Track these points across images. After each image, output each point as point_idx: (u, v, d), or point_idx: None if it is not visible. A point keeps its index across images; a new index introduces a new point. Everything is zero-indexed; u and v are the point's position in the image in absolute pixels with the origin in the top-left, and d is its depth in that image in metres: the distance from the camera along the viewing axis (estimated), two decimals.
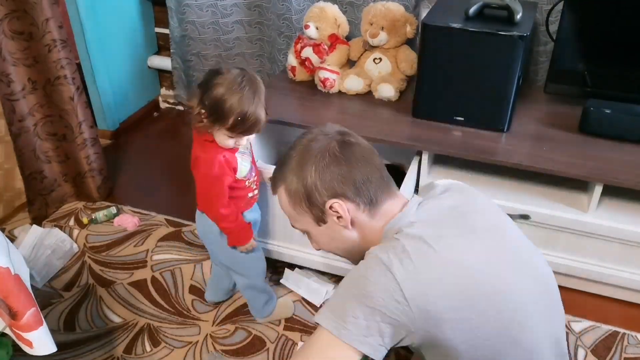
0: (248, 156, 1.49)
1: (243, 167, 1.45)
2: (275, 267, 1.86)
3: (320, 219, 1.04)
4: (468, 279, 0.92)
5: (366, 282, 0.91)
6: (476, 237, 0.98)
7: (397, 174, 1.52)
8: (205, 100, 1.33)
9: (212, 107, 1.33)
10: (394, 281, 0.88)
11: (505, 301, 0.94)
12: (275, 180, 1.07)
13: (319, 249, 1.13)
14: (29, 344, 1.13)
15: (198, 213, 1.52)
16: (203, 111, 1.34)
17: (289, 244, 1.80)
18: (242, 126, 1.34)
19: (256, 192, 1.54)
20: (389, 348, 0.91)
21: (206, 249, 1.63)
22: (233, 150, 1.42)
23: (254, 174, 1.51)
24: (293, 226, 1.10)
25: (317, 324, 0.94)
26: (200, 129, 1.37)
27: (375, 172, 1.02)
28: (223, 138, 1.37)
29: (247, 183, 1.48)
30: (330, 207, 1.01)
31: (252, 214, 1.55)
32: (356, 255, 1.05)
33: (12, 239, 1.97)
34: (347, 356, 0.90)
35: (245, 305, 1.75)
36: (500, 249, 0.99)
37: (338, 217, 1.02)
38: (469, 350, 0.92)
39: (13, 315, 1.08)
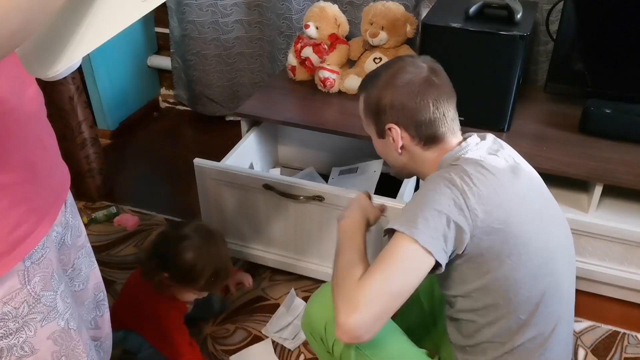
0: None
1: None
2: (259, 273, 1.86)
3: (381, 134, 1.16)
4: (520, 203, 1.03)
5: (433, 193, 1.02)
6: (527, 181, 1.09)
7: None
8: (171, 266, 1.37)
9: (182, 273, 1.36)
10: (458, 191, 1.00)
11: (545, 230, 1.05)
12: (362, 86, 1.20)
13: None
14: None
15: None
16: (166, 275, 1.37)
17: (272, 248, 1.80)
18: (216, 282, 1.40)
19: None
20: (448, 255, 1.00)
21: None
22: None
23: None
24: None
25: (390, 231, 1.02)
26: (164, 292, 1.41)
27: (443, 115, 1.11)
28: (189, 295, 1.43)
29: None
30: (389, 129, 1.13)
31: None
32: (403, 172, 1.23)
33: None
34: (419, 256, 0.98)
35: (245, 305, 1.75)
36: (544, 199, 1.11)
37: (393, 140, 1.13)
38: (511, 265, 1.01)
39: None
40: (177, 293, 1.43)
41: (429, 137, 1.11)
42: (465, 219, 0.99)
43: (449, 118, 1.12)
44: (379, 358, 1.13)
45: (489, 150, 1.10)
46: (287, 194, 1.62)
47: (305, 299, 1.76)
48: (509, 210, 1.01)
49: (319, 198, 1.59)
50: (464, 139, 1.13)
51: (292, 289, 1.77)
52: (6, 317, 0.72)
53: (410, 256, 0.98)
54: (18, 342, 0.75)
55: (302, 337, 1.63)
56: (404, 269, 0.98)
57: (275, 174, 2.08)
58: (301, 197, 1.60)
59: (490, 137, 1.15)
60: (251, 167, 1.89)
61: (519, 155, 1.15)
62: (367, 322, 0.96)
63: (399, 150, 1.15)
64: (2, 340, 0.73)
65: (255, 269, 1.88)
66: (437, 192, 1.01)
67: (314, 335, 1.22)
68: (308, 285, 1.80)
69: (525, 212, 1.04)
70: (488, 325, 1.07)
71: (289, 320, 1.69)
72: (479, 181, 1.01)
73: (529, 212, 1.04)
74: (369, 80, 1.17)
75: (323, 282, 1.49)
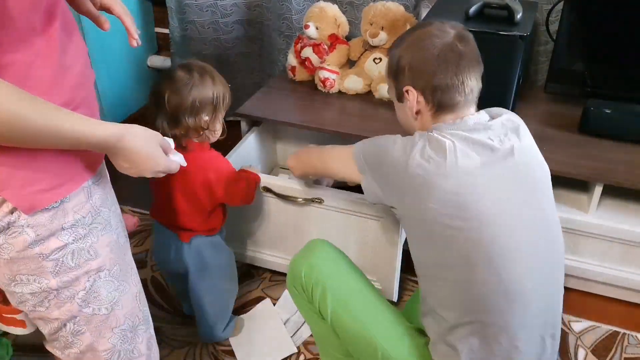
0: None
1: None
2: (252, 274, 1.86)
3: (399, 97, 1.20)
4: (468, 192, 1.05)
5: (393, 144, 1.13)
6: (505, 179, 1.09)
7: None
8: (187, 112, 1.33)
9: (201, 106, 1.33)
10: (407, 155, 1.08)
11: (494, 224, 1.05)
12: (390, 47, 1.24)
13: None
14: (22, 324, 1.14)
15: (187, 245, 1.46)
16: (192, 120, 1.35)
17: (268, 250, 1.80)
18: (225, 100, 1.40)
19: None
20: (382, 203, 1.19)
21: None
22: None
23: None
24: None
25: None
26: (201, 138, 1.38)
27: (462, 83, 1.11)
28: (219, 125, 1.40)
29: None
30: (406, 91, 1.15)
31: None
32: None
33: None
34: (353, 176, 1.23)
35: (245, 305, 1.75)
36: (520, 196, 1.10)
37: (410, 105, 1.17)
38: (444, 243, 1.07)
39: (6, 301, 1.07)
40: (211, 132, 1.39)
41: (442, 104, 1.13)
42: (400, 181, 1.10)
43: (467, 87, 1.12)
44: (351, 301, 1.23)
45: (477, 138, 1.09)
46: (286, 197, 1.62)
47: None
48: (451, 195, 1.05)
49: (318, 200, 1.59)
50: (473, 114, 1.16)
51: (285, 290, 1.78)
52: (77, 224, 0.90)
53: (349, 166, 1.22)
54: (85, 246, 0.92)
55: (303, 335, 1.64)
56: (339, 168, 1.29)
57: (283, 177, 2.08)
58: (300, 200, 1.60)
59: (498, 121, 1.15)
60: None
61: (526, 146, 1.15)
62: (297, 164, 1.45)
63: (415, 116, 1.18)
64: (74, 243, 0.90)
65: (255, 269, 1.88)
66: (394, 147, 1.12)
67: (296, 287, 1.28)
68: None
69: (463, 194, 1.05)
70: (430, 293, 1.16)
71: (285, 317, 1.70)
72: (434, 157, 1.06)
73: (481, 203, 1.05)
74: (396, 41, 1.20)
75: None
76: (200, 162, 1.38)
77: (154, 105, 1.34)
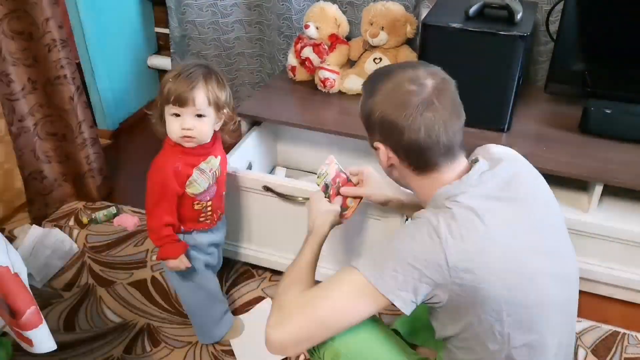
0: (207, 179, 1.40)
1: (197, 184, 1.38)
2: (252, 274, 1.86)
3: (373, 146, 1.08)
4: (511, 260, 0.94)
5: (412, 241, 0.95)
6: (525, 216, 0.99)
7: None
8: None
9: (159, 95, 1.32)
10: (440, 245, 0.91)
11: (535, 288, 0.96)
12: (362, 87, 1.10)
13: None
14: (29, 342, 1.14)
15: None
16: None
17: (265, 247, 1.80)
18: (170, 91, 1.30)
19: (210, 216, 1.46)
20: (419, 304, 0.96)
21: None
22: (190, 161, 1.37)
23: (209, 199, 1.43)
24: None
25: (353, 267, 0.97)
26: (157, 129, 1.38)
27: (437, 142, 0.99)
28: (171, 120, 1.32)
29: (195, 205, 1.41)
30: (376, 148, 1.06)
31: (205, 238, 1.49)
32: (400, 184, 1.14)
33: (12, 239, 1.97)
34: (377, 304, 0.95)
35: (245, 305, 1.75)
36: (540, 235, 1.00)
37: (380, 160, 1.07)
38: (488, 319, 0.95)
39: (13, 314, 1.08)
40: (166, 126, 1.34)
41: (421, 164, 1.02)
42: (442, 276, 0.92)
43: (445, 145, 0.99)
44: None
45: (492, 190, 0.98)
46: (286, 196, 1.62)
47: None
48: (492, 270, 0.93)
49: None
50: (470, 165, 1.04)
51: None
52: None
53: (369, 302, 0.95)
54: None
55: None
56: (349, 307, 0.97)
57: (280, 174, 2.08)
58: (300, 199, 1.60)
59: (502, 167, 1.02)
60: (249, 167, 1.89)
61: (530, 179, 1.06)
62: (289, 341, 0.98)
63: (388, 167, 1.09)
64: None
65: (255, 268, 1.88)
66: (417, 241, 0.94)
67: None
68: None
69: (514, 269, 0.95)
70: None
71: None
72: (468, 233, 0.92)
73: (518, 269, 0.95)
74: (368, 84, 1.07)
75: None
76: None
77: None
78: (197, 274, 1.49)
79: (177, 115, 1.31)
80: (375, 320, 1.15)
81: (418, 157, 1.01)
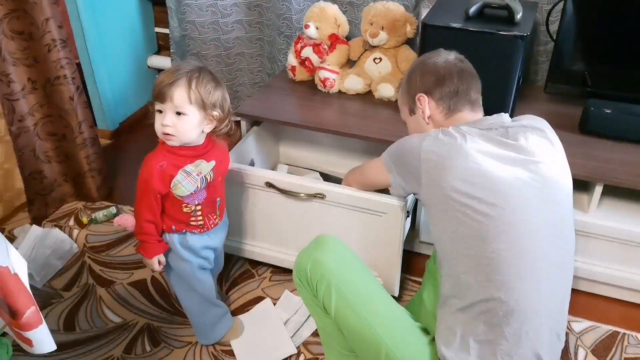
0: (194, 182, 1.37)
1: (182, 186, 1.36)
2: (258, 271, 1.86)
3: (412, 109, 1.36)
4: (476, 168, 1.14)
5: (410, 138, 1.28)
6: (510, 159, 1.17)
7: None
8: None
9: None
10: (420, 141, 1.22)
11: (504, 199, 1.12)
12: (405, 76, 1.42)
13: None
14: (29, 343, 1.14)
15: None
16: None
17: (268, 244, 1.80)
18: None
19: (201, 221, 1.44)
20: (407, 193, 1.34)
21: None
22: (176, 162, 1.36)
23: (197, 203, 1.41)
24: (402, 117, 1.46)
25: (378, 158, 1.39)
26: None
27: (466, 89, 1.29)
28: (156, 117, 1.32)
29: (184, 207, 1.40)
30: (418, 98, 1.32)
31: (199, 241, 1.47)
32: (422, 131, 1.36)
33: (11, 239, 1.97)
34: (385, 179, 1.37)
35: (245, 305, 1.75)
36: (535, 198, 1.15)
37: (422, 111, 1.33)
38: (457, 219, 1.15)
39: (13, 314, 1.08)
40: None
41: (451, 108, 1.29)
42: (416, 166, 1.21)
43: (471, 94, 1.29)
44: (355, 297, 1.22)
45: (491, 132, 1.20)
46: (288, 192, 1.62)
47: None
48: (455, 171, 1.14)
49: (320, 196, 1.59)
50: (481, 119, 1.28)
51: (286, 290, 1.78)
52: None
53: (382, 176, 1.38)
54: None
55: (303, 336, 1.64)
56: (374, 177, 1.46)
57: (282, 170, 2.08)
58: (302, 195, 1.61)
59: (517, 121, 1.25)
60: (252, 163, 1.89)
61: (539, 140, 1.22)
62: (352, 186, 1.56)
63: (427, 120, 1.32)
64: None
65: (256, 268, 1.88)
66: (409, 141, 1.27)
67: (301, 281, 1.29)
68: None
69: (477, 173, 1.14)
70: (447, 276, 1.20)
71: (286, 317, 1.69)
72: (446, 139, 1.19)
73: (482, 173, 1.14)
74: (407, 73, 1.40)
75: None
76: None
77: None
78: (190, 276, 1.48)
79: (160, 111, 1.31)
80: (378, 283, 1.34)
81: (452, 101, 1.29)
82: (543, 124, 1.29)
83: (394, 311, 1.25)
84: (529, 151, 1.17)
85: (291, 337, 1.63)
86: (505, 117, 1.26)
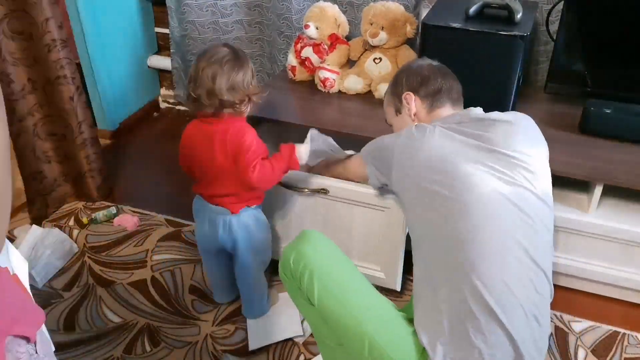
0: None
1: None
2: None
3: (398, 109, 1.45)
4: (439, 155, 1.22)
5: (388, 135, 1.39)
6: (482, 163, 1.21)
7: None
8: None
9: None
10: (394, 138, 1.33)
11: (467, 182, 1.17)
12: (390, 83, 1.52)
13: None
14: None
15: (236, 218, 1.52)
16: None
17: None
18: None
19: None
20: (381, 183, 1.41)
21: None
22: None
23: None
24: (386, 121, 1.55)
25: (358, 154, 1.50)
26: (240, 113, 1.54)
27: (449, 87, 1.40)
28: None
29: None
30: (405, 97, 1.41)
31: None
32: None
33: (11, 239, 1.97)
34: (363, 171, 1.46)
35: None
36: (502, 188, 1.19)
37: (408, 109, 1.41)
38: (424, 205, 1.23)
39: None
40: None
41: (434, 104, 1.38)
42: (389, 162, 1.32)
43: (453, 93, 1.39)
44: (337, 286, 1.24)
45: (464, 124, 1.27)
46: (291, 187, 1.62)
47: None
48: (419, 161, 1.24)
49: (323, 191, 1.60)
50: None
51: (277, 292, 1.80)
52: None
53: (360, 169, 1.48)
54: None
55: (305, 333, 1.64)
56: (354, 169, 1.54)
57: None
58: (306, 190, 1.61)
59: (491, 114, 1.31)
60: None
61: (512, 129, 1.28)
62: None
63: (413, 117, 1.40)
64: None
65: None
66: (386, 139, 1.38)
67: (286, 274, 1.30)
68: None
69: (439, 159, 1.21)
70: (419, 263, 1.26)
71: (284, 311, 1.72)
72: (418, 135, 1.27)
73: (444, 160, 1.21)
74: (393, 80, 1.49)
75: None
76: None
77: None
78: (269, 246, 1.66)
79: None
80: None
81: (435, 97, 1.38)
82: (518, 117, 1.35)
83: (376, 300, 1.27)
84: (494, 140, 1.23)
85: (301, 321, 1.67)
86: (475, 110, 1.32)
